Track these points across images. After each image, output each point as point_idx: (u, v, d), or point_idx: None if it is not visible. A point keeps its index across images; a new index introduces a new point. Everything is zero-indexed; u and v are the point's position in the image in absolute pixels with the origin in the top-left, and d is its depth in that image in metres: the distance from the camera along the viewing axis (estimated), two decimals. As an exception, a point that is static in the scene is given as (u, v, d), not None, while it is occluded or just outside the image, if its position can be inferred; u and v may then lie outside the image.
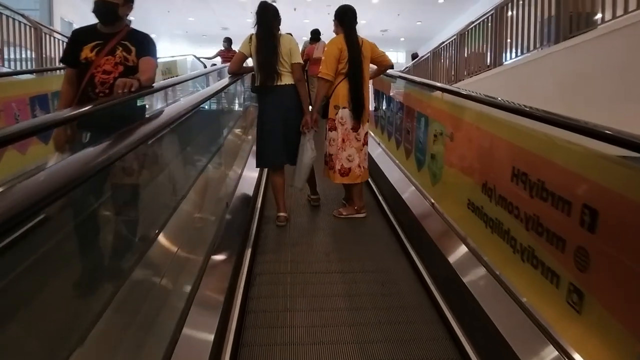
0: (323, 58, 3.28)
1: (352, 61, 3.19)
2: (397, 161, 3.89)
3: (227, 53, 9.00)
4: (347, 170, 3.32)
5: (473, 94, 2.34)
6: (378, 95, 4.87)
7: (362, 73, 3.25)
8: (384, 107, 4.63)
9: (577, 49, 4.10)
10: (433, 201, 2.82)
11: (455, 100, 2.62)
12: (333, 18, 3.35)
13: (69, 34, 8.93)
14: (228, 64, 7.76)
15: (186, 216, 2.28)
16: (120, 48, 2.28)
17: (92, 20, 2.29)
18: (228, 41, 9.19)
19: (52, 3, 11.64)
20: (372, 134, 4.97)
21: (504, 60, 5.90)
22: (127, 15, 2.38)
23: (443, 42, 8.42)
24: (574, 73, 4.16)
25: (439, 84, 2.95)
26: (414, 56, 12.29)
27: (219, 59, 9.30)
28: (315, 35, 7.05)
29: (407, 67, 11.76)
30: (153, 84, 2.28)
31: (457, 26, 8.61)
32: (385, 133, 4.49)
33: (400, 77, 3.97)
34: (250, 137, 4.83)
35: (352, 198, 3.45)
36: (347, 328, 2.08)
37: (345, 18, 3.26)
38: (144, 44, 2.35)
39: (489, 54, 6.29)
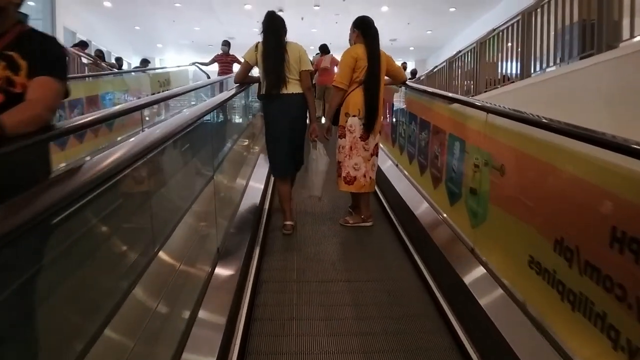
0: (339, 67, 3.30)
1: (371, 72, 3.18)
2: (421, 189, 3.38)
3: (225, 58, 8.26)
4: (353, 178, 3.32)
5: (544, 120, 1.68)
6: (395, 111, 4.49)
7: (379, 84, 3.25)
8: (403, 125, 4.09)
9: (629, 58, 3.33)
10: (473, 246, 2.28)
11: (507, 124, 1.99)
12: (352, 28, 3.35)
13: (71, 44, 8.79)
14: (226, 75, 7.62)
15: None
16: (3, 63, 1.33)
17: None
18: (227, 44, 8.40)
19: (54, 12, 11.58)
20: (388, 153, 4.70)
21: (532, 72, 5.19)
22: (19, 4, 1.42)
23: (460, 51, 7.66)
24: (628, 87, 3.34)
25: (487, 104, 2.20)
26: (414, 73, 11.95)
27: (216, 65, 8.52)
28: (324, 48, 7.82)
29: (418, 77, 11.30)
30: (49, 120, 1.35)
31: (468, 35, 8.26)
32: (406, 155, 3.95)
33: (429, 92, 3.53)
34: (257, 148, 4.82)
35: (359, 206, 3.45)
36: (354, 337, 2.08)
37: (370, 30, 3.27)
38: (44, 55, 1.39)
39: (514, 64, 5.62)
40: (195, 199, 2.22)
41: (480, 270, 2.11)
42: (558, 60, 4.62)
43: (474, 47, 6.86)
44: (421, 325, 2.16)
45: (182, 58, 18.48)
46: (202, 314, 1.82)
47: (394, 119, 4.59)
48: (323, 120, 7.78)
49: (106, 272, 1.31)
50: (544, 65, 4.94)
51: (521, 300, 1.76)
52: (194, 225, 2.27)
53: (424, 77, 10.61)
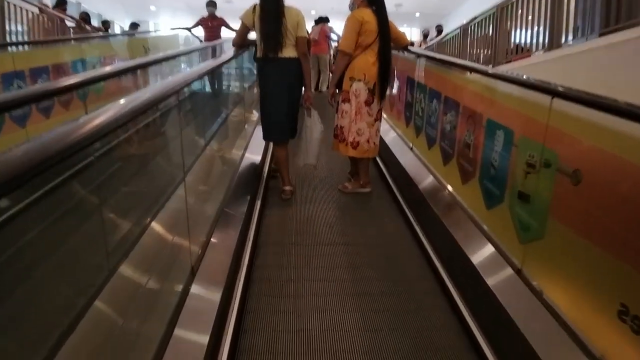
0: (343, 31, 3.21)
1: (383, 39, 3.13)
2: (443, 180, 2.82)
3: (210, 21, 7.14)
4: (357, 144, 3.30)
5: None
6: (410, 84, 3.77)
7: (390, 51, 3.23)
8: (422, 103, 3.43)
9: None
10: (520, 266, 1.75)
11: (588, 115, 1.42)
12: None
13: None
14: (213, 41, 6.84)
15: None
16: None
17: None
18: (213, 5, 7.16)
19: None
20: (401, 134, 4.09)
21: (563, 41, 4.42)
22: None
23: (476, 17, 6.75)
24: None
25: (555, 86, 1.62)
26: (439, 30, 10.28)
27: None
28: (318, 19, 7.74)
29: (431, 44, 9.83)
30: None
31: (477, 2, 7.42)
32: (424, 138, 3.30)
33: (459, 65, 2.93)
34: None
35: (358, 173, 3.46)
36: (351, 298, 2.12)
37: None
38: None
39: (541, 32, 4.82)
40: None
41: (530, 299, 1.61)
42: (598, 28, 3.80)
43: (494, 13, 6.01)
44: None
45: (177, 22, 17.40)
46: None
47: (409, 94, 3.82)
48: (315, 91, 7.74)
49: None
50: (580, 33, 4.16)
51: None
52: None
53: (434, 44, 9.46)
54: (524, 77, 1.97)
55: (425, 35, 10.92)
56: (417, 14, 18.61)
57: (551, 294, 1.56)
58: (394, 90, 4.45)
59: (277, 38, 2.97)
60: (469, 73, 2.66)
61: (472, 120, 2.42)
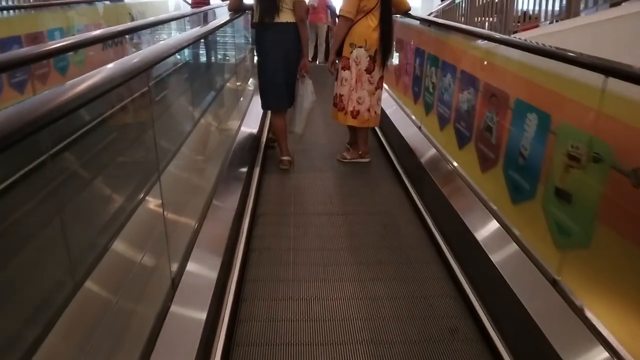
0: None
1: (384, 1, 3.04)
2: (459, 169, 2.49)
3: None
4: (357, 112, 3.21)
5: None
6: (420, 56, 3.39)
7: (392, 17, 3.14)
8: (432, 77, 3.08)
9: None
10: (556, 275, 1.52)
11: None
12: None
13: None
14: (202, 8, 5.55)
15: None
16: None
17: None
18: None
19: None
20: (408, 111, 3.71)
21: (581, 9, 3.97)
22: None
23: None
24: None
25: (608, 62, 1.34)
26: None
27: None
28: None
29: (436, 11, 9.10)
30: None
31: None
32: (435, 117, 2.95)
33: (479, 35, 2.58)
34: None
35: (357, 142, 3.40)
36: (349, 266, 2.13)
37: None
38: None
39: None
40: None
41: (571, 318, 1.40)
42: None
43: None
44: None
45: None
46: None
47: (418, 67, 3.43)
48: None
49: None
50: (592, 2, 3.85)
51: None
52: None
53: (437, 13, 8.82)
54: (569, 53, 1.56)
55: None
56: None
57: (600, 317, 1.33)
58: (400, 62, 4.11)
59: (274, 2, 2.89)
60: (494, 45, 2.26)
61: (495, 100, 2.10)
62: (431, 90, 3.10)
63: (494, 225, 1.96)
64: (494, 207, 2.05)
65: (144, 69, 1.28)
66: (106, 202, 1.33)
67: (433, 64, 3.07)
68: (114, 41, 4.14)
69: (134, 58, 1.27)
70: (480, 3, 6.47)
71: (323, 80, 4.08)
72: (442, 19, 7.92)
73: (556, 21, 4.45)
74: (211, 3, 6.20)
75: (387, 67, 3.31)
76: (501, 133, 2.03)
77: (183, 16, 5.06)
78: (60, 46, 1.78)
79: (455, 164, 2.57)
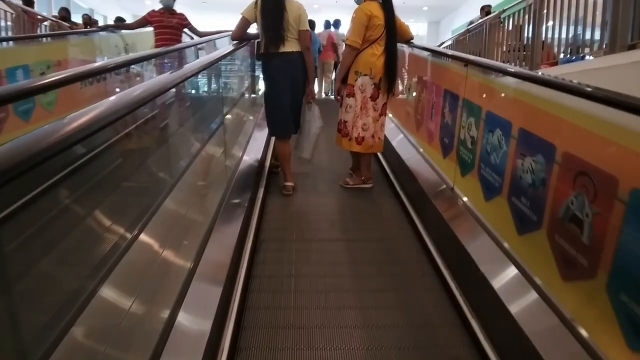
0: (351, 25, 3.14)
1: (389, 31, 3.11)
2: (520, 262, 1.77)
3: (165, 18, 4.58)
4: (362, 139, 3.26)
5: None
6: (453, 101, 2.73)
7: (396, 46, 3.19)
8: (471, 129, 2.40)
9: None
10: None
11: None
12: None
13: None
14: (167, 47, 3.95)
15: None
16: None
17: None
18: None
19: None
20: (437, 167, 2.99)
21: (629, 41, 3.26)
22: None
23: (505, 9, 5.62)
24: None
25: None
26: (487, 11, 7.37)
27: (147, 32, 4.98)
28: (326, 24, 7.85)
29: (451, 40, 8.31)
30: None
31: None
32: (477, 182, 2.25)
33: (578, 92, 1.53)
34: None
35: (360, 168, 3.43)
36: (351, 294, 2.11)
37: None
38: None
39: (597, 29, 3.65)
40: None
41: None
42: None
43: (531, 5, 4.76)
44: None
45: None
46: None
47: (450, 114, 2.79)
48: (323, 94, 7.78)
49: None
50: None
51: None
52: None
53: (451, 41, 8.14)
54: None
55: (487, 12, 7.58)
56: (425, 8, 18.06)
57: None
58: (422, 103, 3.50)
59: (279, 32, 2.96)
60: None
61: (588, 182, 1.40)
62: (469, 145, 2.43)
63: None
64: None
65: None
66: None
67: (472, 113, 2.41)
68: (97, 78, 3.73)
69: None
70: (502, 33, 5.76)
71: (327, 109, 4.15)
72: (457, 48, 7.26)
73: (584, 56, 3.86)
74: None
75: (393, 95, 3.35)
76: (602, 231, 1.33)
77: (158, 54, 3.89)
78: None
79: (517, 258, 1.80)
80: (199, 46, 4.44)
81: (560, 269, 1.53)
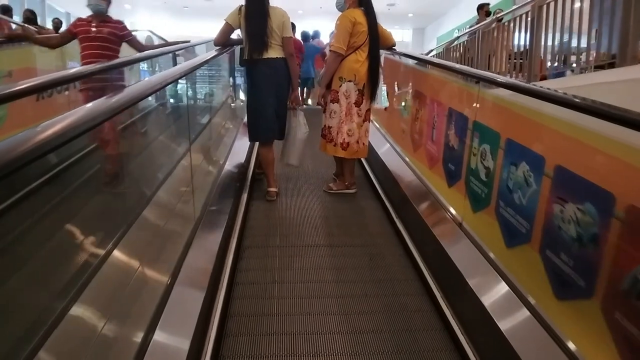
0: (335, 32, 3.18)
1: (372, 37, 3.15)
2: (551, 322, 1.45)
3: (87, 26, 3.47)
4: (347, 144, 3.28)
5: None
6: (461, 122, 2.35)
7: (378, 49, 3.24)
8: (486, 157, 2.01)
9: None
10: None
11: None
12: None
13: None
14: (98, 63, 2.96)
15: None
16: None
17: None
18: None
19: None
20: (441, 197, 2.58)
21: None
22: None
23: (500, 18, 5.37)
24: None
25: None
26: (487, 12, 6.91)
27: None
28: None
29: (436, 49, 7.96)
30: None
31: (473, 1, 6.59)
32: (492, 220, 1.90)
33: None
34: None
35: (343, 173, 3.45)
36: (334, 299, 2.11)
37: None
38: None
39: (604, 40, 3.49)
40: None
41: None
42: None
43: (529, 12, 4.56)
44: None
45: (155, 22, 15.95)
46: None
47: (456, 138, 2.40)
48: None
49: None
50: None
51: None
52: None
53: (438, 51, 7.66)
54: None
55: (487, 13, 7.06)
56: (410, 15, 18.18)
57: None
58: (419, 119, 3.11)
59: (262, 38, 2.96)
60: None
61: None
62: (483, 177, 2.03)
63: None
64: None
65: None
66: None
67: (487, 139, 2.01)
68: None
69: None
70: (497, 42, 5.37)
71: (311, 117, 4.15)
72: (447, 58, 6.68)
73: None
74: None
75: (375, 101, 3.38)
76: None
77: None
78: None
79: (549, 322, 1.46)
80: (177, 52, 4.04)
81: (617, 345, 1.15)
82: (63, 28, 6.57)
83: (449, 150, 2.52)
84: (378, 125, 4.48)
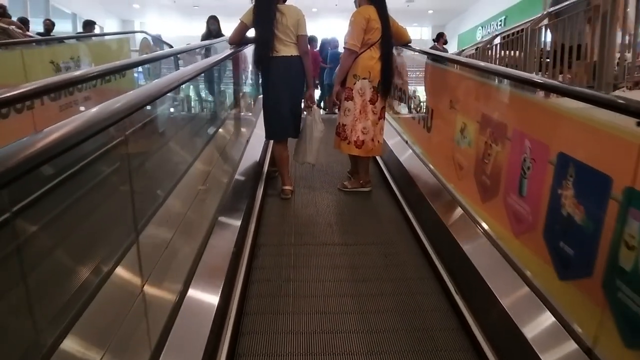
0: (349, 29, 3.14)
1: (385, 34, 3.12)
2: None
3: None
4: (361, 142, 3.25)
5: None
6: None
7: (391, 47, 3.22)
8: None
9: None
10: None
11: None
12: None
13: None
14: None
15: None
16: None
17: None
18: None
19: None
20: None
21: None
22: None
23: (550, 12, 4.29)
24: None
25: None
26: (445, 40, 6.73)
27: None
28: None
29: (467, 49, 6.90)
30: None
31: None
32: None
33: None
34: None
35: (358, 172, 3.42)
36: (350, 298, 2.10)
37: None
38: None
39: None
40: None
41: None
42: None
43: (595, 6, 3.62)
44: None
45: (166, 21, 16.08)
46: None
47: (575, 203, 1.43)
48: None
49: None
50: None
51: None
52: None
53: (471, 50, 6.55)
54: None
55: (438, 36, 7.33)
56: (430, 11, 17.62)
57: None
58: (501, 165, 2.01)
59: (269, 38, 2.97)
60: None
61: None
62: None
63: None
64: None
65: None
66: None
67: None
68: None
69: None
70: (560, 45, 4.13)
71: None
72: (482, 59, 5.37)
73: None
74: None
75: (390, 98, 3.34)
76: None
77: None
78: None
79: None
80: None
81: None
82: (63, 29, 6.71)
83: (558, 219, 1.53)
84: (410, 142, 3.66)
